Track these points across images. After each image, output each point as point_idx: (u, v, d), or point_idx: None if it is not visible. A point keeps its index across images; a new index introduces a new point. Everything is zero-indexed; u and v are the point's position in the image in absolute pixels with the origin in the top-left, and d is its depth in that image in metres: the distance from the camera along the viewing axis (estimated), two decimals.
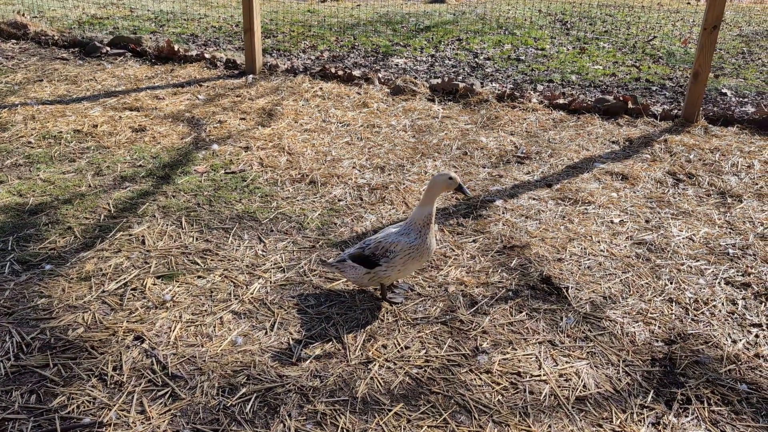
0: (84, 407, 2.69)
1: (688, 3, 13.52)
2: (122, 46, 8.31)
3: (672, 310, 3.40)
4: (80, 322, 3.18)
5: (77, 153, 5.12)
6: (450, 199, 4.55)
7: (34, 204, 4.28)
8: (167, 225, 4.08)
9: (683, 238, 4.08)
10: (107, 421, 2.62)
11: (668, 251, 3.93)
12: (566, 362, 3.01)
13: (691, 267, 3.78)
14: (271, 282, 3.55)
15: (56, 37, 8.70)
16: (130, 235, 3.96)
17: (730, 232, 4.16)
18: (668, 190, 4.74)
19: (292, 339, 3.11)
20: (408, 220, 3.27)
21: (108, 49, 8.21)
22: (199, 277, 3.57)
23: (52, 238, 3.89)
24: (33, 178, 4.66)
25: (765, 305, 3.45)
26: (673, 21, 11.31)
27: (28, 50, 8.32)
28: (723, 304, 3.45)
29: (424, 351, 3.06)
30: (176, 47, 8.10)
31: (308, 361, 2.97)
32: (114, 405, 2.69)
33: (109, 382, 2.81)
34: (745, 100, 7.04)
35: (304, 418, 2.67)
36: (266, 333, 3.15)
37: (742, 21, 11.69)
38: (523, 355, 3.05)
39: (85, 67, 7.60)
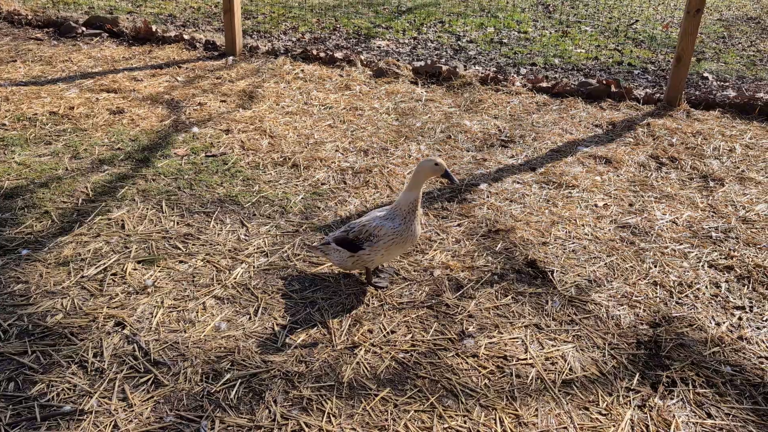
0: (64, 395, 2.63)
1: None
2: (98, 26, 8.11)
3: (656, 293, 3.41)
4: (59, 307, 3.11)
5: (53, 135, 5.00)
6: (434, 183, 4.52)
7: (9, 188, 4.18)
8: (147, 209, 4.00)
9: (667, 222, 4.09)
10: (88, 408, 2.56)
11: (652, 234, 3.94)
12: (552, 346, 3.01)
13: (674, 250, 3.79)
14: (254, 267, 3.50)
15: (29, 17, 8.47)
16: (109, 219, 3.88)
17: (712, 216, 4.18)
18: (651, 174, 4.75)
19: (277, 324, 3.07)
20: (393, 205, 3.24)
21: (84, 29, 8.01)
22: (180, 261, 3.51)
23: (29, 222, 3.80)
24: (8, 161, 4.54)
25: (748, 288, 3.47)
26: (654, 5, 11.32)
27: (1, 30, 8.10)
28: (707, 287, 3.47)
29: (410, 335, 3.04)
30: (154, 28, 7.93)
31: (293, 346, 2.93)
32: (95, 392, 2.64)
33: (89, 369, 2.76)
34: (726, 84, 7.07)
35: (290, 403, 2.64)
36: (250, 318, 3.11)
37: (722, 5, 11.75)
38: (510, 338, 3.05)
39: (60, 47, 7.42)
